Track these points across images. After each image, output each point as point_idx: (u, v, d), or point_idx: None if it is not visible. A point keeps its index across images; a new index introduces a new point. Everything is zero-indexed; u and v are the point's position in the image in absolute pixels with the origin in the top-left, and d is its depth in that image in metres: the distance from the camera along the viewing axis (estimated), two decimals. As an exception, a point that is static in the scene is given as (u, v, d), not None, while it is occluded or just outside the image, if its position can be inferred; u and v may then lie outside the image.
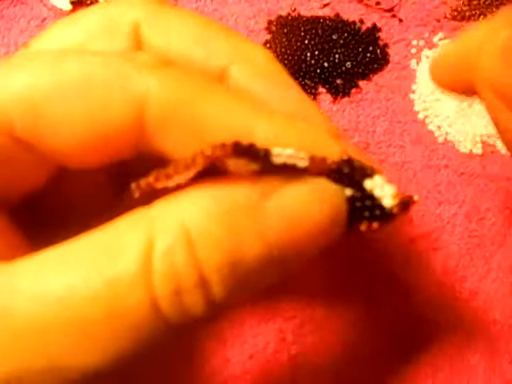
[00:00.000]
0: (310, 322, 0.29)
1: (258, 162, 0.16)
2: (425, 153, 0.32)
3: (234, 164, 0.17)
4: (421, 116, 0.33)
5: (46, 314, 0.15)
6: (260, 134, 0.17)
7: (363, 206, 0.18)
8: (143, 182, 0.17)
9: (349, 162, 0.18)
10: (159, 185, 0.17)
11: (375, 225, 0.18)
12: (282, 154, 0.17)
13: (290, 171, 0.17)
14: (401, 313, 0.29)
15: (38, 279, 0.15)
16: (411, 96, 0.33)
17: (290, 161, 0.17)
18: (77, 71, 0.17)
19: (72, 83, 0.17)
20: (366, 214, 0.18)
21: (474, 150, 0.32)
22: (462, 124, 0.33)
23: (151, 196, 0.17)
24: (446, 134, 0.33)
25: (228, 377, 0.28)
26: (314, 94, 0.33)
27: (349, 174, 0.18)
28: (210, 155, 0.16)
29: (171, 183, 0.17)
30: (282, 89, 0.22)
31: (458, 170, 0.32)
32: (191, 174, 0.17)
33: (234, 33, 0.22)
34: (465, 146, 0.32)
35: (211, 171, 0.17)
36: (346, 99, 0.33)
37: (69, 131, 0.17)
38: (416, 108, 0.33)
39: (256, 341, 0.28)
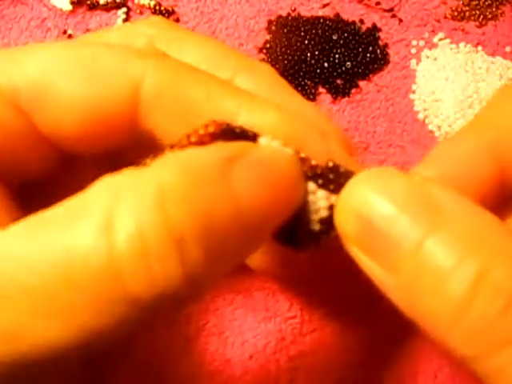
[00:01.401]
0: (309, 322, 0.29)
1: None
2: (425, 153, 0.32)
3: None
4: (421, 116, 0.33)
5: (4, 278, 0.14)
6: (243, 118, 0.19)
7: None
8: (141, 164, 0.17)
9: (334, 168, 0.18)
10: None
11: None
12: (269, 140, 0.17)
13: None
14: (400, 313, 0.29)
15: (5, 244, 0.15)
16: (411, 96, 0.33)
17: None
18: (82, 53, 0.19)
19: (77, 63, 0.19)
20: None
21: (474, 150, 0.32)
22: (462, 124, 0.33)
23: None
24: (446, 133, 0.33)
25: (228, 377, 0.28)
26: (313, 94, 0.33)
27: (334, 179, 0.18)
28: (202, 133, 0.16)
29: None
30: (284, 94, 0.22)
31: (457, 170, 0.32)
32: None
33: (238, 51, 0.24)
34: (465, 146, 0.32)
35: None
36: (345, 99, 0.33)
37: (71, 107, 0.18)
38: (416, 108, 0.33)
39: (256, 341, 0.28)
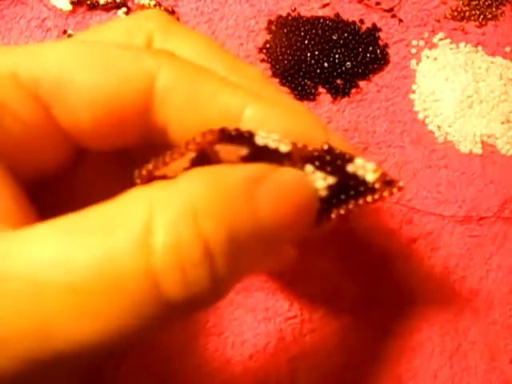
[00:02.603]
0: (309, 321, 0.29)
1: (244, 146, 0.18)
2: (425, 153, 0.32)
3: (223, 151, 0.18)
4: (421, 116, 0.33)
5: (40, 277, 0.15)
6: (249, 112, 0.20)
7: (348, 187, 0.19)
8: (143, 170, 0.18)
9: (329, 150, 0.19)
10: (158, 172, 0.18)
11: (361, 201, 0.19)
12: (266, 136, 0.18)
13: (274, 157, 0.18)
14: (401, 313, 0.29)
15: (37, 244, 0.15)
16: (411, 96, 0.33)
17: (273, 144, 0.18)
18: (98, 49, 0.20)
19: (93, 57, 0.19)
20: (352, 192, 0.19)
21: (474, 150, 0.32)
22: (462, 124, 0.33)
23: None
24: (446, 134, 0.33)
25: (228, 377, 0.28)
26: (313, 94, 0.33)
27: (330, 161, 0.19)
28: (200, 141, 0.17)
29: (169, 171, 0.18)
30: (272, 91, 0.23)
31: (458, 169, 0.32)
32: (186, 161, 0.18)
33: (230, 51, 0.24)
34: (465, 146, 0.32)
35: (205, 162, 0.18)
36: (345, 99, 0.33)
37: (90, 99, 0.19)
38: (416, 108, 0.33)
39: (256, 341, 0.28)
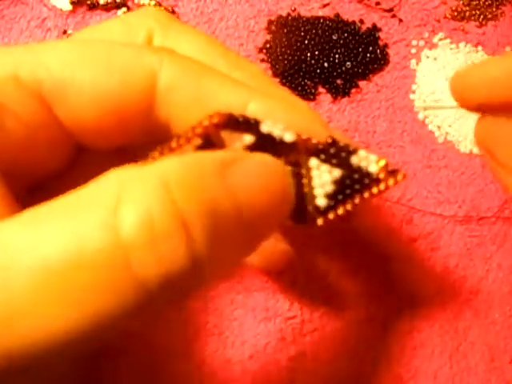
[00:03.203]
0: (309, 321, 0.29)
1: (250, 133, 0.18)
2: (425, 153, 0.32)
3: (228, 137, 0.18)
4: (421, 116, 0.33)
5: (6, 262, 0.14)
6: (252, 108, 0.20)
7: (353, 180, 0.19)
8: (150, 157, 0.18)
9: (333, 143, 0.19)
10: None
11: (367, 194, 0.19)
12: (271, 125, 0.18)
13: (279, 147, 0.19)
14: (401, 313, 0.29)
15: (6, 231, 0.15)
16: (411, 96, 0.33)
17: (278, 132, 0.18)
18: (100, 47, 0.20)
19: (96, 56, 0.19)
20: (357, 186, 0.19)
21: (474, 150, 0.32)
22: (462, 124, 0.33)
23: None
24: (446, 133, 0.33)
25: (228, 377, 0.28)
26: (313, 94, 0.33)
27: (335, 154, 0.19)
28: (207, 124, 0.17)
29: None
30: (273, 87, 0.23)
31: (458, 169, 0.32)
32: (192, 148, 0.18)
33: (230, 50, 0.24)
34: (465, 146, 0.32)
35: (210, 147, 0.18)
36: (345, 99, 0.33)
37: (92, 98, 0.19)
38: (416, 108, 0.33)
39: (256, 341, 0.28)
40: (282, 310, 0.29)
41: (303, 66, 0.33)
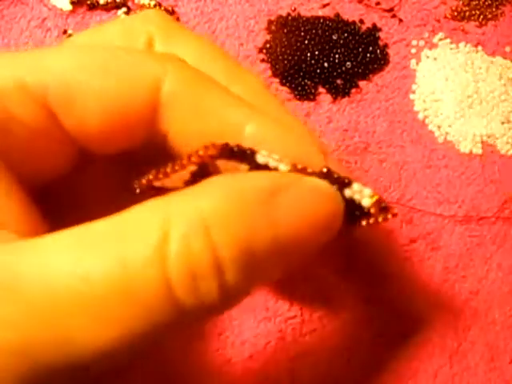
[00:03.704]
0: (309, 322, 0.29)
1: (245, 163, 0.18)
2: (425, 153, 0.32)
3: (224, 166, 0.18)
4: (421, 116, 0.33)
5: (55, 286, 0.15)
6: (249, 130, 0.20)
7: (344, 211, 0.19)
8: (144, 179, 0.18)
9: (328, 174, 0.19)
10: (158, 183, 0.18)
11: (355, 225, 0.20)
12: (267, 155, 0.18)
13: None
14: (400, 313, 0.29)
15: (50, 254, 0.16)
16: (411, 96, 0.33)
17: (273, 163, 0.18)
18: (104, 54, 0.20)
19: (100, 63, 0.19)
20: (348, 217, 0.19)
21: (474, 150, 0.32)
22: (462, 124, 0.33)
23: (152, 195, 0.17)
24: (446, 134, 0.33)
25: (228, 377, 0.28)
26: (313, 94, 0.33)
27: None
28: (203, 154, 0.17)
29: (169, 183, 0.18)
30: (271, 104, 0.23)
31: (458, 170, 0.32)
32: (187, 173, 0.18)
33: (231, 56, 0.25)
34: (465, 146, 0.32)
35: (206, 174, 0.18)
36: (345, 99, 0.33)
37: (97, 105, 0.19)
38: (416, 108, 0.33)
39: (256, 341, 0.28)
40: (282, 310, 0.29)
41: (303, 65, 0.33)
